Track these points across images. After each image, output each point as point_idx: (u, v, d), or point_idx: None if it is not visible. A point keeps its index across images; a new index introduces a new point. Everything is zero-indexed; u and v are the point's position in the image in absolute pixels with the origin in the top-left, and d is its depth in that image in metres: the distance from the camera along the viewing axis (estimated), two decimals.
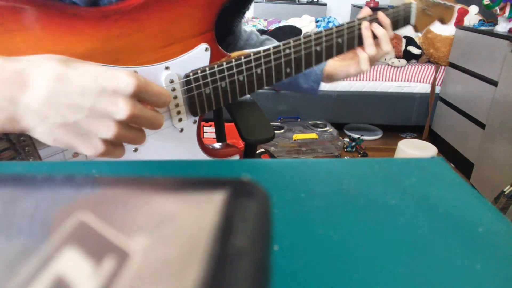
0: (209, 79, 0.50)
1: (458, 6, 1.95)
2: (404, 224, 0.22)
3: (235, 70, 0.51)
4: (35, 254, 0.12)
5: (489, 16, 2.17)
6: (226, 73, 0.51)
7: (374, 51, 0.62)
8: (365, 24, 0.61)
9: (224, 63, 0.50)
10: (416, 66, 2.31)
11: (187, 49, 0.48)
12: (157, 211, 0.13)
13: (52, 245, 0.12)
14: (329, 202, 0.23)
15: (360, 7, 3.31)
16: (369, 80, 2.34)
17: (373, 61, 0.64)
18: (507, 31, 1.84)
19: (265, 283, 0.11)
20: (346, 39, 0.61)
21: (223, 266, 0.11)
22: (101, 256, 0.11)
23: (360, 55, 0.63)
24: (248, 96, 0.85)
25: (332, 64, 0.69)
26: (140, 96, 0.36)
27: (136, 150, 0.49)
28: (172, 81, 0.48)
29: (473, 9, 2.20)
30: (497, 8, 1.83)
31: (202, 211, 0.13)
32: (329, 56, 0.60)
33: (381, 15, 0.62)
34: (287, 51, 0.55)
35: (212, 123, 1.99)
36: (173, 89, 0.48)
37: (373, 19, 0.62)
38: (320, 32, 0.57)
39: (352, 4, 3.55)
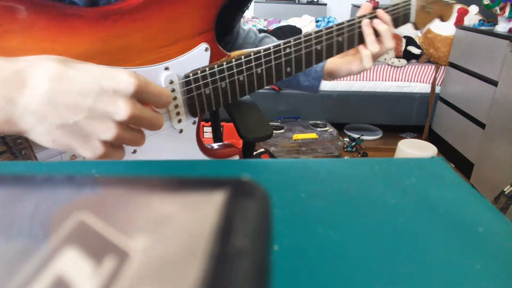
0: (209, 79, 0.49)
1: (457, 4, 1.94)
2: (404, 224, 0.22)
3: (235, 70, 0.51)
4: (35, 254, 0.12)
5: (489, 16, 2.16)
6: (226, 73, 0.50)
7: (377, 47, 0.61)
8: (365, 21, 0.61)
9: (224, 63, 0.50)
10: (416, 66, 2.31)
11: (187, 49, 0.48)
12: (157, 211, 0.13)
13: (52, 245, 0.12)
14: (329, 202, 0.23)
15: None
16: (369, 80, 2.34)
17: (375, 58, 0.64)
18: (507, 31, 1.83)
19: (265, 283, 0.11)
20: (347, 37, 0.60)
21: (223, 266, 0.11)
22: (101, 256, 0.11)
23: (363, 53, 0.63)
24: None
25: (333, 61, 0.68)
26: (141, 96, 0.35)
27: (134, 151, 0.49)
28: (171, 82, 0.47)
29: (473, 9, 2.20)
30: (497, 8, 1.83)
31: (202, 211, 0.13)
32: (330, 55, 0.60)
33: (380, 11, 0.62)
34: (288, 50, 0.55)
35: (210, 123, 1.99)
36: (173, 90, 0.48)
37: (373, 17, 0.62)
38: (321, 30, 0.57)
39: (352, 4, 3.55)
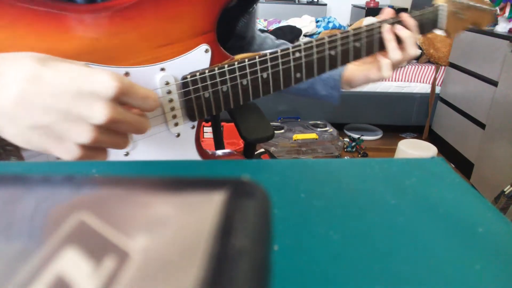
0: (208, 82, 0.47)
1: (497, 9, 1.76)
2: (404, 224, 0.22)
3: (238, 74, 0.48)
4: (35, 254, 0.12)
5: None
6: (228, 76, 0.48)
7: (399, 55, 0.57)
8: (386, 27, 0.57)
9: (226, 66, 0.47)
10: (416, 66, 2.31)
11: (185, 50, 0.46)
12: (157, 211, 0.13)
13: (52, 245, 0.12)
14: (329, 202, 0.23)
15: (360, 7, 3.31)
16: None
17: (396, 66, 0.58)
18: (507, 31, 1.84)
19: (265, 283, 0.11)
20: (365, 43, 0.56)
21: (223, 266, 0.11)
22: (101, 256, 0.11)
23: (382, 61, 0.58)
24: None
25: (351, 69, 0.65)
26: (123, 99, 0.34)
27: (127, 154, 0.47)
28: (167, 83, 0.45)
29: None
30: (497, 8, 1.83)
31: (202, 211, 0.13)
32: (345, 61, 0.56)
33: (405, 16, 0.58)
34: (297, 54, 0.51)
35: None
36: (169, 92, 0.46)
37: (396, 22, 0.57)
38: (335, 35, 0.54)
39: (352, 4, 3.55)
